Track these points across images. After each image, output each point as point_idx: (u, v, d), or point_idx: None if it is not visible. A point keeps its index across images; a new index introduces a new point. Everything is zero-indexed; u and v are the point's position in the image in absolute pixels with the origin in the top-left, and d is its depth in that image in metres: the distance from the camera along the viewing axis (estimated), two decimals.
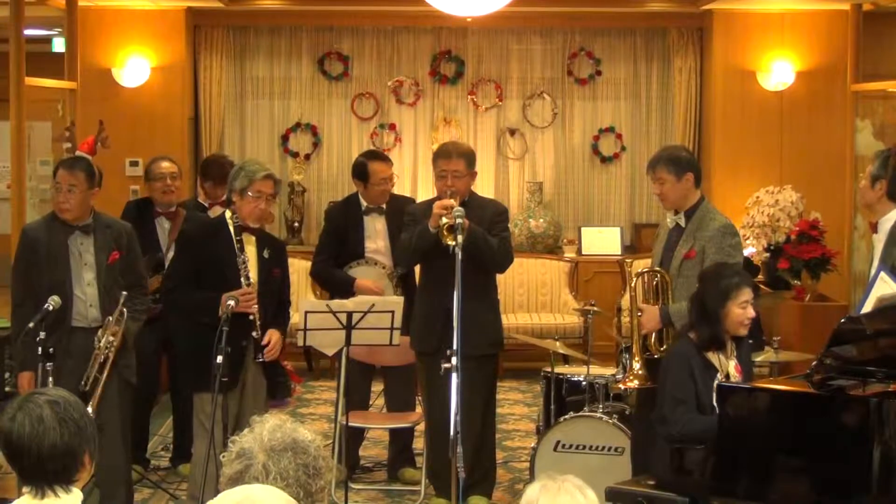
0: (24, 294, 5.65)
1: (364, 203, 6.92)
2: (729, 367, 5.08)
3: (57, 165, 5.95)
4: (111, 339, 5.56)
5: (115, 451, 5.71)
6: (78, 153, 7.03)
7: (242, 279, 5.63)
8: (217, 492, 2.86)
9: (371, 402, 7.27)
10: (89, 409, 5.33)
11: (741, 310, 5.01)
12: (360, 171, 6.91)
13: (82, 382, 5.48)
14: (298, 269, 9.74)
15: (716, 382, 4.99)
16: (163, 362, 7.06)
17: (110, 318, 5.59)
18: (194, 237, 5.86)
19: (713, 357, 5.04)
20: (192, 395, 5.75)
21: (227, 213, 5.71)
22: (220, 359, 5.16)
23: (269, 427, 2.89)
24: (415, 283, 6.84)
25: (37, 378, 5.32)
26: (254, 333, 5.61)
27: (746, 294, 5.02)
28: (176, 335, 6.19)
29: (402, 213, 6.61)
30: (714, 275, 5.12)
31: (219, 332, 5.18)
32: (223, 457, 2.91)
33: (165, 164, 7.07)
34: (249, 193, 5.61)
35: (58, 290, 5.56)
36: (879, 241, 5.41)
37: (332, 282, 7.04)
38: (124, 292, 5.63)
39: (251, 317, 5.58)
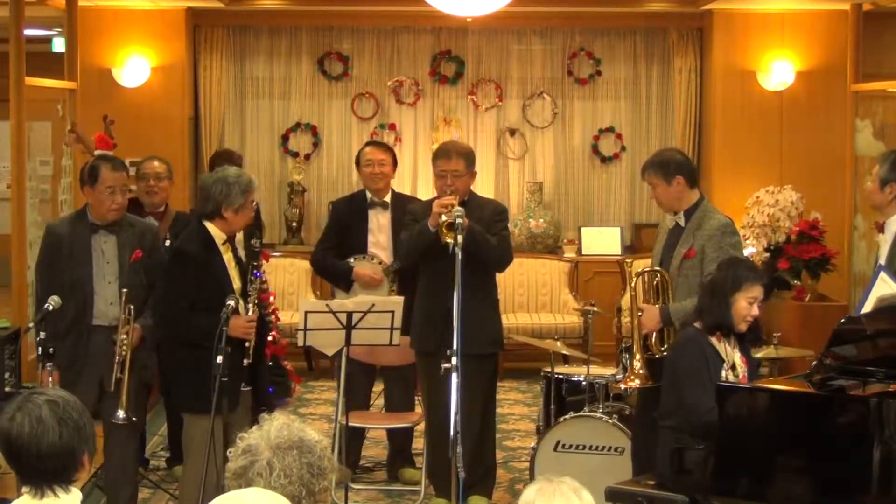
0: (46, 291, 5.62)
1: (369, 196, 6.96)
2: (735, 357, 5.09)
3: (96, 167, 5.74)
4: (123, 337, 5.56)
5: (127, 450, 5.74)
6: (98, 152, 7.02)
7: (251, 306, 5.44)
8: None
9: (371, 402, 7.27)
10: (121, 413, 5.38)
11: (748, 304, 5.01)
12: (357, 157, 7.19)
13: (111, 388, 5.50)
14: (298, 268, 9.77)
15: (724, 372, 5.00)
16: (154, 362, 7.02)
17: (122, 317, 5.58)
18: (195, 255, 5.38)
19: (719, 346, 5.04)
20: (185, 416, 5.53)
21: (214, 229, 5.38)
22: (219, 359, 5.05)
23: (276, 425, 2.91)
24: (412, 281, 6.86)
25: (38, 377, 5.32)
26: (245, 361, 5.41)
27: (757, 290, 5.02)
28: (169, 355, 5.78)
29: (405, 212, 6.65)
30: (732, 263, 5.14)
31: (218, 331, 5.07)
32: (230, 452, 2.91)
33: (151, 164, 6.99)
34: (245, 206, 5.43)
35: (79, 288, 5.61)
36: (886, 241, 5.41)
37: (331, 270, 7.10)
38: (124, 289, 5.62)
39: (247, 343, 5.40)
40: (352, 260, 6.92)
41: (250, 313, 5.43)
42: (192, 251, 5.39)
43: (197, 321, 5.27)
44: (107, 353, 5.61)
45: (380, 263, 6.91)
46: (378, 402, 7.42)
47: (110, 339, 5.62)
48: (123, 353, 5.55)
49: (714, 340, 5.05)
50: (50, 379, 5.25)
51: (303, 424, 2.95)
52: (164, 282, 5.53)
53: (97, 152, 7.04)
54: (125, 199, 5.76)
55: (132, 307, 5.59)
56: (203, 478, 5.03)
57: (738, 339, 5.14)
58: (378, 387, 7.24)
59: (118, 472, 5.77)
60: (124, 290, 5.61)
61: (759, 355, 6.57)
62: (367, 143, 7.35)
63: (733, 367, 5.06)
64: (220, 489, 2.91)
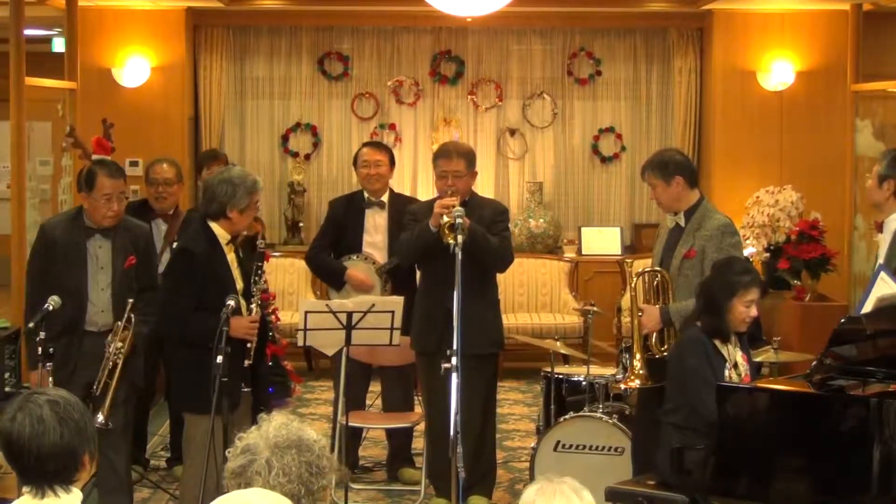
0: (39, 293, 5.59)
1: (366, 196, 6.97)
2: (737, 356, 5.10)
3: (93, 173, 5.68)
4: (119, 345, 5.54)
5: (118, 452, 5.71)
6: (96, 157, 7.00)
7: (254, 306, 5.42)
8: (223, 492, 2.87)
9: (371, 403, 7.26)
10: (100, 417, 5.35)
11: (745, 308, 5.03)
12: (354, 157, 7.18)
13: (94, 388, 5.47)
14: (298, 268, 9.76)
15: (727, 371, 5.01)
16: (159, 364, 7.01)
17: (119, 324, 5.57)
18: (200, 254, 5.33)
19: (721, 346, 5.06)
20: (186, 416, 5.51)
21: (218, 229, 5.35)
22: (219, 359, 5.02)
23: (275, 424, 2.91)
24: (406, 280, 6.86)
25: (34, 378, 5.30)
26: (246, 361, 5.36)
27: (753, 294, 5.04)
28: (171, 355, 5.76)
29: (405, 212, 6.66)
30: (725, 267, 5.13)
31: (218, 331, 5.04)
32: (229, 452, 2.91)
33: (161, 169, 6.94)
34: (250, 207, 5.40)
35: (74, 293, 5.55)
36: (884, 240, 5.41)
37: (324, 269, 7.13)
38: (130, 300, 5.60)
39: (248, 344, 5.36)
40: (345, 260, 6.92)
41: (253, 314, 5.41)
42: (197, 250, 5.35)
43: (200, 321, 5.22)
44: (98, 358, 5.56)
45: (373, 263, 6.91)
46: (376, 402, 7.41)
47: (101, 344, 5.58)
48: (118, 360, 5.52)
49: (716, 340, 5.06)
50: (51, 380, 5.24)
51: (301, 424, 2.95)
52: (168, 281, 5.49)
53: (95, 157, 7.00)
54: (121, 207, 5.69)
55: (133, 316, 5.58)
56: (203, 478, 5.02)
57: (738, 337, 5.15)
58: (375, 387, 7.22)
59: (108, 477, 5.73)
60: (130, 300, 5.58)
61: (758, 359, 6.58)
62: (364, 144, 7.35)
63: (735, 366, 5.07)
64: (221, 489, 2.91)
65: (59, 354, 5.55)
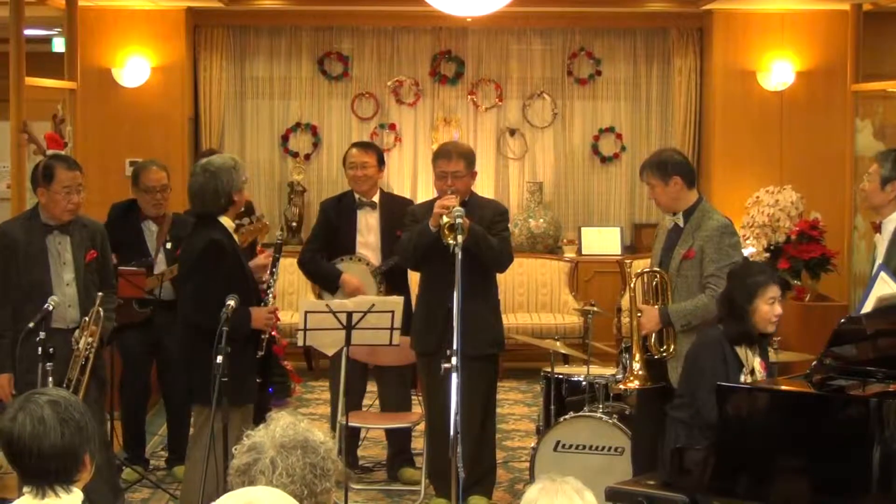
0: (3, 295, 5.56)
1: (357, 197, 6.95)
2: (755, 363, 5.09)
3: (50, 167, 5.65)
4: (90, 339, 5.50)
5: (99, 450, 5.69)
6: (51, 151, 6.96)
7: (271, 297, 5.52)
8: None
9: (370, 403, 7.25)
10: None
11: (768, 306, 5.03)
12: (343, 158, 7.13)
13: (63, 385, 5.41)
14: (298, 268, 9.75)
15: (743, 376, 5.00)
16: (153, 364, 7.00)
17: (86, 319, 5.53)
18: (227, 248, 5.36)
19: (740, 351, 5.05)
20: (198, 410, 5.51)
21: (227, 221, 5.41)
22: (220, 359, 5.01)
23: (282, 424, 2.92)
24: (400, 281, 6.85)
25: (14, 380, 5.24)
26: (259, 353, 5.42)
27: (773, 291, 5.04)
28: (189, 350, 5.65)
29: (398, 213, 6.65)
30: (742, 272, 5.14)
31: (219, 332, 5.03)
32: (235, 450, 2.92)
33: (157, 176, 6.81)
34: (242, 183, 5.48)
35: (38, 291, 5.48)
36: (882, 241, 5.40)
37: (318, 273, 7.08)
38: (100, 293, 5.58)
39: (263, 335, 5.41)
40: (338, 261, 6.90)
41: (270, 305, 5.49)
42: (226, 244, 5.36)
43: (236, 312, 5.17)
44: (64, 356, 5.47)
45: (367, 265, 6.90)
46: (370, 401, 7.39)
47: (68, 340, 5.52)
48: (89, 354, 5.48)
49: (739, 346, 5.05)
50: (50, 379, 5.20)
51: (309, 425, 2.95)
52: (199, 275, 5.40)
53: (49, 152, 6.97)
54: (80, 199, 5.66)
55: (101, 310, 5.56)
56: (204, 475, 5.02)
57: (759, 342, 5.14)
58: (371, 386, 7.20)
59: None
60: (99, 294, 5.57)
61: None
62: (353, 145, 7.23)
63: (752, 373, 5.05)
64: (221, 488, 2.91)
65: (27, 355, 5.35)
